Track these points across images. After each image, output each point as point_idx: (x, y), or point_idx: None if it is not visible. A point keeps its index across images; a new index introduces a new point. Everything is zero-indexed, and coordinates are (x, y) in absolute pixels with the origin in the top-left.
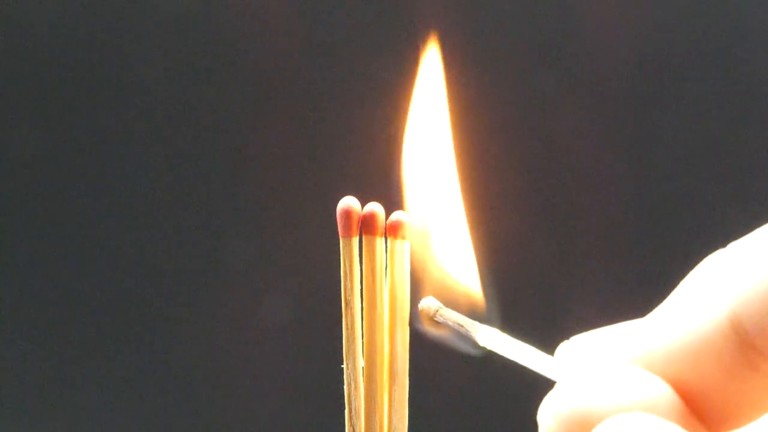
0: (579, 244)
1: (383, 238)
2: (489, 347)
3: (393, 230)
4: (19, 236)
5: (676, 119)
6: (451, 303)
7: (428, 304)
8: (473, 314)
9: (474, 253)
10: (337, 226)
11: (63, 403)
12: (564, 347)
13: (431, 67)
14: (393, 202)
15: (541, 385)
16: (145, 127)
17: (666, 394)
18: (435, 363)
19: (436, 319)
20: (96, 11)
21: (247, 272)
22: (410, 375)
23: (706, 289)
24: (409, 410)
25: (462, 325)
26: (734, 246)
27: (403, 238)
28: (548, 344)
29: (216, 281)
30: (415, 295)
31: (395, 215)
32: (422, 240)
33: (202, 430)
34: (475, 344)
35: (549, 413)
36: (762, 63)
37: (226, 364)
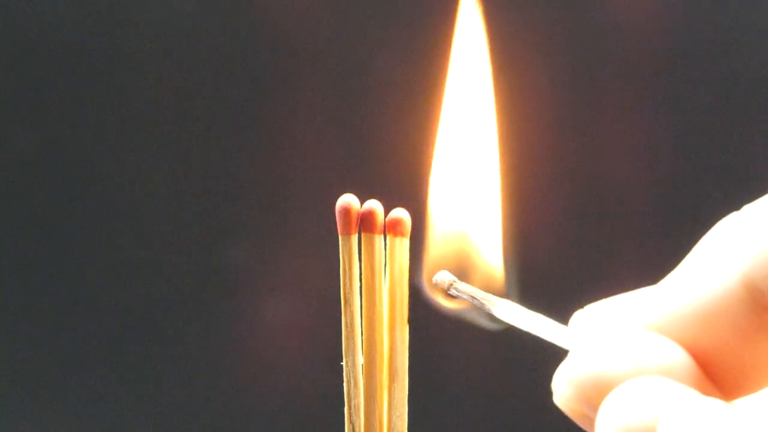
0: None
1: (382, 236)
2: (504, 320)
3: (392, 227)
4: (19, 237)
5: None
6: (468, 276)
7: (442, 277)
8: (490, 287)
9: (499, 228)
10: (336, 223)
11: (62, 404)
12: (578, 316)
13: (469, 51)
14: (392, 199)
15: (538, 374)
16: (145, 127)
17: (681, 359)
18: (435, 360)
19: (450, 292)
20: (96, 10)
21: (246, 271)
22: (410, 372)
23: (720, 252)
24: (408, 407)
25: (476, 298)
26: (748, 208)
27: (402, 235)
28: (567, 319)
29: (216, 280)
30: (434, 268)
31: (394, 212)
32: (445, 214)
33: (201, 429)
34: (490, 317)
35: (563, 379)
36: None
37: (226, 362)
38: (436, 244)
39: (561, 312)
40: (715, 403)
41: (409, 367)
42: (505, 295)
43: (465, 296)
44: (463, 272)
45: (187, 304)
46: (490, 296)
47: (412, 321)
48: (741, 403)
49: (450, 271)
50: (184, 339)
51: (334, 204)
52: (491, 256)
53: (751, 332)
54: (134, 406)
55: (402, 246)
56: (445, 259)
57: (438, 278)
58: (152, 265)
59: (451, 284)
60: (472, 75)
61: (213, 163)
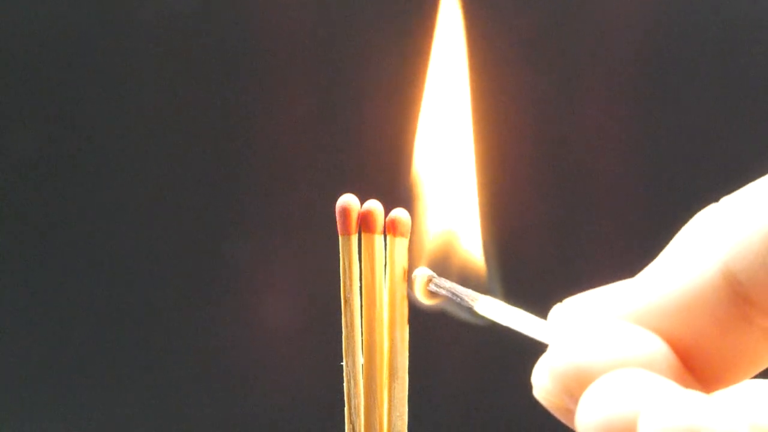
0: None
1: (382, 236)
2: (484, 315)
3: (392, 227)
4: (19, 237)
5: (686, 108)
6: (448, 271)
7: (421, 273)
8: (470, 282)
9: (479, 226)
10: (336, 223)
11: (63, 404)
12: (557, 309)
13: (447, 53)
14: (392, 200)
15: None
16: (145, 127)
17: (660, 350)
18: (434, 360)
19: (429, 288)
20: (97, 10)
21: (247, 271)
22: (409, 372)
23: (698, 243)
24: (408, 407)
25: (456, 294)
26: (726, 200)
27: (402, 235)
28: (547, 313)
29: (216, 280)
30: (414, 264)
31: (394, 212)
32: (426, 208)
33: (201, 429)
34: (469, 311)
35: (544, 371)
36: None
37: (226, 363)
38: (417, 240)
39: (541, 306)
40: (694, 395)
41: (409, 366)
42: (486, 289)
43: (444, 292)
44: (443, 268)
45: (186, 303)
46: (470, 292)
47: (411, 321)
48: (720, 395)
49: (430, 267)
50: (183, 339)
51: (334, 204)
52: (472, 251)
53: (729, 322)
54: (133, 406)
55: (402, 246)
56: (424, 255)
57: (417, 274)
58: (152, 265)
59: (431, 280)
60: (454, 73)
61: (213, 163)
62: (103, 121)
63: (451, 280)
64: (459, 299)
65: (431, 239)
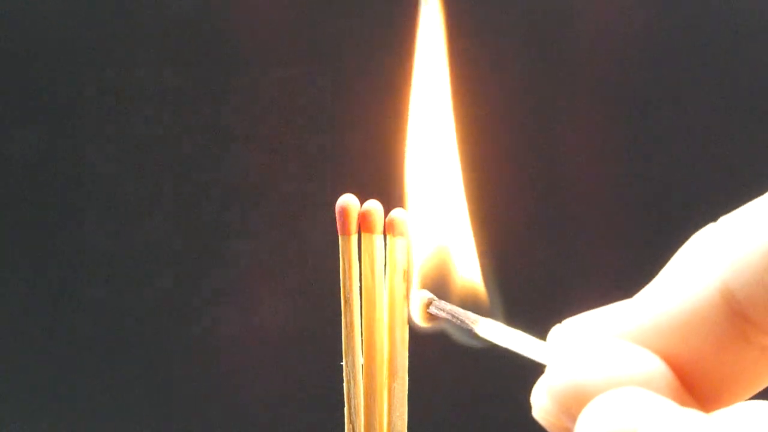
0: (579, 239)
1: (382, 236)
2: (483, 336)
3: (392, 228)
4: (20, 237)
5: (678, 115)
6: (448, 295)
7: (421, 296)
8: (471, 305)
9: (475, 247)
10: (336, 223)
11: (63, 404)
12: (556, 330)
13: (432, 58)
14: (392, 200)
15: (539, 375)
16: (145, 127)
17: (659, 369)
18: (434, 360)
19: (429, 311)
20: (96, 11)
21: (247, 271)
22: (409, 372)
23: (697, 262)
24: (408, 407)
25: (456, 316)
26: (725, 219)
27: (402, 235)
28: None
29: (216, 280)
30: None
31: (394, 212)
32: (423, 233)
33: (202, 429)
34: (470, 334)
35: (543, 390)
36: (762, 62)
37: (226, 362)
38: (416, 263)
39: (541, 327)
40: (692, 414)
41: (408, 366)
42: (486, 311)
43: (445, 314)
44: (442, 290)
45: (186, 303)
46: (470, 314)
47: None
48: (719, 414)
49: (429, 289)
50: (183, 339)
51: (334, 204)
52: (470, 273)
53: (727, 341)
54: (133, 406)
55: (401, 246)
56: (424, 278)
57: (417, 297)
58: (152, 265)
59: (431, 302)
60: (436, 86)
61: (212, 163)
62: (102, 120)
63: (451, 302)
64: (459, 322)
65: (429, 261)
